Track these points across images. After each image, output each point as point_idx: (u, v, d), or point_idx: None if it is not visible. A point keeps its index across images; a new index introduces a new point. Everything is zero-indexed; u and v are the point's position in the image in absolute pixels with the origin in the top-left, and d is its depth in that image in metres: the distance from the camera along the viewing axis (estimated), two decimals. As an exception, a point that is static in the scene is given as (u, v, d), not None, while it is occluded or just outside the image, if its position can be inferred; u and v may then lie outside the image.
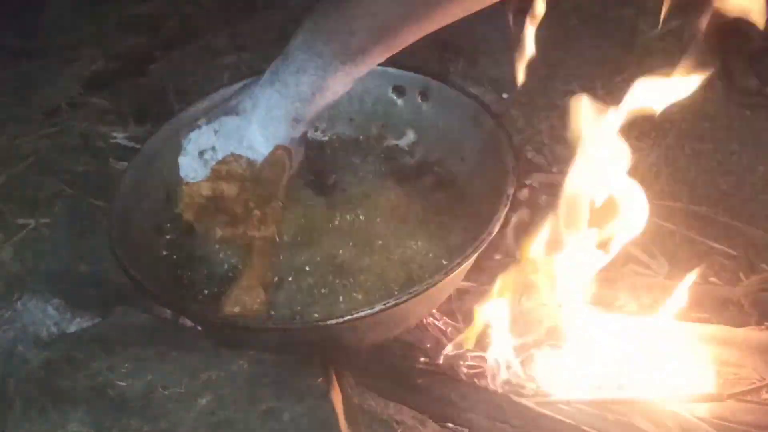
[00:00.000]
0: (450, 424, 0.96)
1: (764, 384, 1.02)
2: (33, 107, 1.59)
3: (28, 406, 0.88)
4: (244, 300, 0.91)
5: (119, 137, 1.49)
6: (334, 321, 0.82)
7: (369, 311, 0.82)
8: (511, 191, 0.94)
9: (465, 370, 1.06)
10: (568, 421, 0.97)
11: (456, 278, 0.95)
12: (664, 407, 0.99)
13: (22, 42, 1.85)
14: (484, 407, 0.99)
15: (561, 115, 1.66)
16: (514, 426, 0.98)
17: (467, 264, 0.89)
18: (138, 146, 1.46)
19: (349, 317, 0.82)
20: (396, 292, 0.96)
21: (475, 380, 1.04)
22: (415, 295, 0.84)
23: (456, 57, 1.74)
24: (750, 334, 1.06)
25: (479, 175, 1.09)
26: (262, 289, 0.91)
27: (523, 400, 1.01)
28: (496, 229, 0.90)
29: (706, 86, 1.64)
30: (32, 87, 1.67)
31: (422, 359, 1.07)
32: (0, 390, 1.00)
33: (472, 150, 1.12)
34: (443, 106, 1.16)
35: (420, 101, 1.18)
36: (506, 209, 0.92)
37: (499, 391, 1.03)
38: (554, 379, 1.05)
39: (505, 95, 1.67)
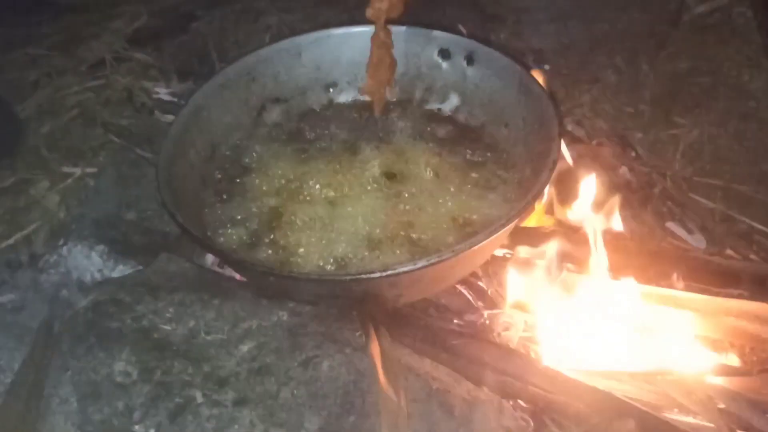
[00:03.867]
0: (483, 387, 0.97)
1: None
2: (77, 61, 1.61)
3: (75, 343, 0.91)
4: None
5: (162, 92, 1.51)
6: (377, 274, 0.82)
7: (411, 267, 0.83)
8: (556, 157, 0.94)
9: (498, 333, 1.06)
10: (601, 388, 0.97)
11: (497, 241, 0.95)
12: (697, 380, 0.99)
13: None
14: (515, 371, 0.99)
15: (603, 88, 1.64)
16: (546, 391, 0.98)
17: (509, 227, 0.89)
18: (181, 102, 1.50)
19: (391, 271, 0.83)
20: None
21: (508, 344, 1.04)
22: (457, 254, 0.84)
23: (499, 27, 1.73)
24: (786, 311, 1.05)
25: (523, 141, 1.09)
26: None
27: (556, 367, 1.01)
28: (540, 194, 0.90)
29: (752, 64, 1.63)
30: (76, 41, 1.69)
31: (456, 321, 1.08)
32: (46, 332, 1.04)
33: (517, 116, 1.11)
34: (489, 71, 1.15)
35: (466, 65, 1.17)
36: (551, 175, 0.92)
37: (532, 356, 1.03)
38: (588, 348, 1.05)
39: (546, 66, 1.66)
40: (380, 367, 0.86)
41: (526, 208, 0.89)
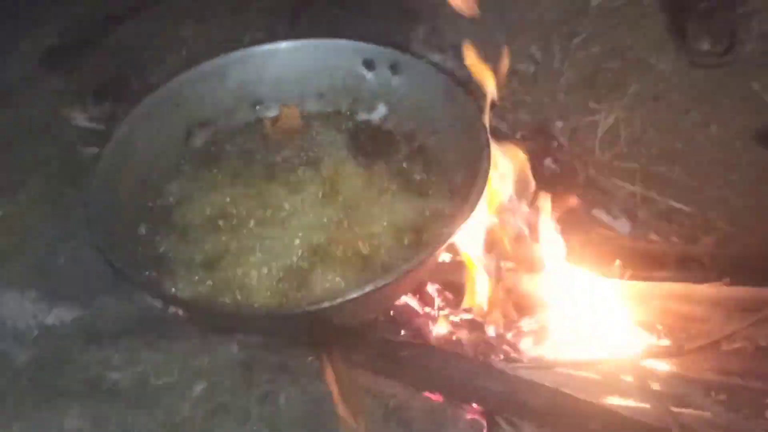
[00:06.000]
0: (434, 394, 1.00)
1: (723, 336, 1.09)
2: (-15, 87, 1.53)
3: (20, 402, 0.88)
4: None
5: (79, 119, 1.45)
6: (326, 305, 0.83)
7: (359, 293, 0.84)
8: (488, 167, 0.97)
9: (445, 340, 1.09)
10: (545, 383, 1.01)
11: (439, 256, 0.98)
12: (632, 364, 1.04)
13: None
14: (463, 375, 1.02)
15: (520, 79, 1.69)
16: (493, 391, 1.02)
17: (452, 239, 0.92)
18: (99, 127, 1.45)
19: (340, 300, 0.84)
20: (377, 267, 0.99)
21: (456, 349, 1.08)
22: (405, 274, 0.86)
23: (416, 24, 1.74)
24: (710, 290, 1.12)
25: (454, 147, 1.11)
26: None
27: (501, 365, 1.05)
28: (478, 205, 0.93)
29: (659, 46, 1.70)
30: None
31: (403, 332, 1.10)
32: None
33: (445, 122, 1.14)
34: (414, 79, 1.17)
35: (390, 74, 1.18)
36: (485, 186, 0.94)
37: (480, 357, 1.07)
38: (530, 343, 1.09)
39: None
40: (336, 392, 0.87)
41: (466, 220, 0.92)
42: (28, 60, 1.59)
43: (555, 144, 1.52)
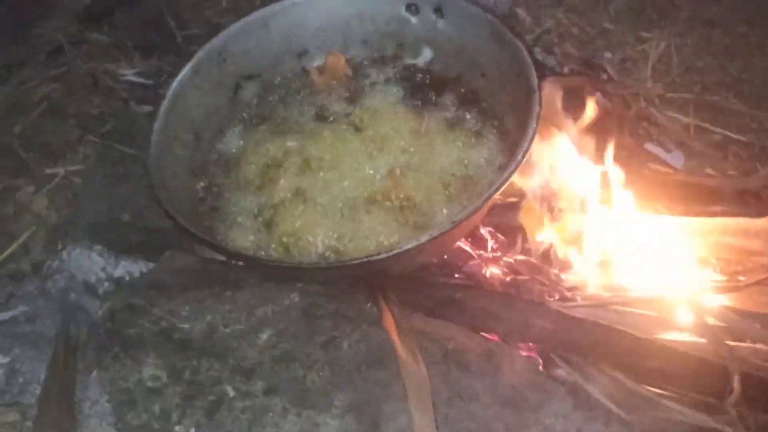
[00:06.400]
0: (492, 335, 1.02)
1: (782, 269, 1.08)
2: (33, 49, 1.56)
3: (100, 354, 0.94)
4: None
5: (128, 74, 1.48)
6: (383, 256, 0.85)
7: (415, 243, 0.86)
8: (538, 110, 0.95)
9: (500, 281, 1.11)
10: (602, 322, 1.03)
11: (491, 204, 0.98)
12: (688, 300, 1.05)
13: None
14: (518, 315, 1.04)
15: (567, 10, 1.64)
16: (548, 329, 1.03)
17: (505, 185, 0.92)
18: (147, 82, 1.48)
19: (396, 251, 0.86)
20: (436, 215, 1.00)
21: (510, 290, 1.09)
22: (458, 224, 0.87)
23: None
24: (766, 223, 1.10)
25: (502, 89, 1.10)
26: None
27: (556, 305, 1.06)
28: (531, 149, 0.92)
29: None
30: (27, 25, 1.62)
31: (457, 275, 1.12)
32: (65, 338, 1.06)
33: (492, 65, 1.12)
34: (459, 22, 1.15)
35: (435, 18, 1.17)
36: (536, 129, 0.94)
37: (534, 298, 1.08)
38: (585, 281, 1.10)
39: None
40: (396, 336, 0.90)
41: (518, 167, 0.92)
42: (69, 18, 1.61)
43: (605, 77, 1.49)
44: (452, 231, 0.88)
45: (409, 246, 0.86)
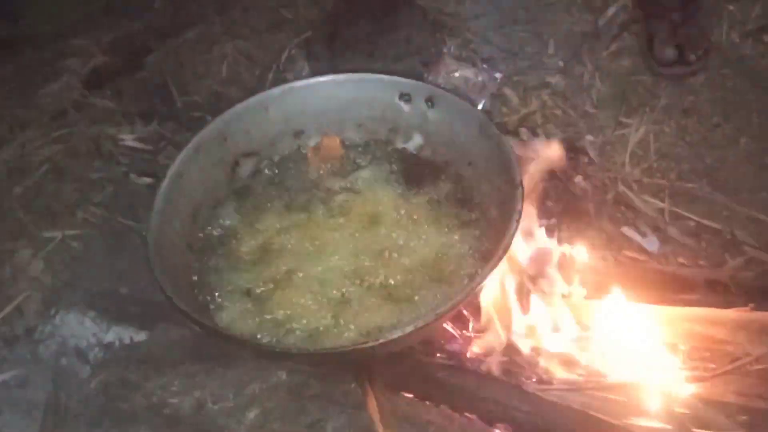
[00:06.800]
0: (471, 415, 1.06)
1: (750, 359, 1.13)
2: (38, 110, 1.61)
3: (90, 428, 0.97)
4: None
5: (128, 139, 1.53)
6: (369, 344, 0.90)
7: (400, 333, 0.91)
8: (521, 207, 1.02)
9: (479, 361, 1.15)
10: (574, 406, 1.07)
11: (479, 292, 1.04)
12: (657, 387, 1.10)
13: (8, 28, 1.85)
14: (498, 398, 1.08)
15: (552, 93, 1.72)
16: (524, 412, 1.08)
17: (487, 279, 0.97)
18: (147, 147, 1.53)
19: (382, 340, 0.91)
20: (417, 300, 1.05)
21: (489, 371, 1.14)
22: (440, 316, 0.93)
23: (449, 37, 1.78)
24: (735, 314, 1.16)
25: (487, 180, 1.16)
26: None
27: (532, 387, 1.11)
28: (511, 243, 0.98)
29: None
30: (33, 86, 1.68)
31: (438, 354, 1.16)
32: (53, 402, 1.09)
33: (479, 155, 1.18)
34: (449, 113, 1.22)
35: (426, 107, 1.23)
36: (518, 227, 1.00)
37: (511, 381, 1.12)
38: (559, 367, 1.15)
39: (497, 75, 1.72)
40: (379, 422, 0.94)
41: (498, 262, 0.97)
42: (75, 81, 1.66)
43: (585, 160, 1.56)
44: (437, 320, 0.93)
45: (395, 335, 0.90)
